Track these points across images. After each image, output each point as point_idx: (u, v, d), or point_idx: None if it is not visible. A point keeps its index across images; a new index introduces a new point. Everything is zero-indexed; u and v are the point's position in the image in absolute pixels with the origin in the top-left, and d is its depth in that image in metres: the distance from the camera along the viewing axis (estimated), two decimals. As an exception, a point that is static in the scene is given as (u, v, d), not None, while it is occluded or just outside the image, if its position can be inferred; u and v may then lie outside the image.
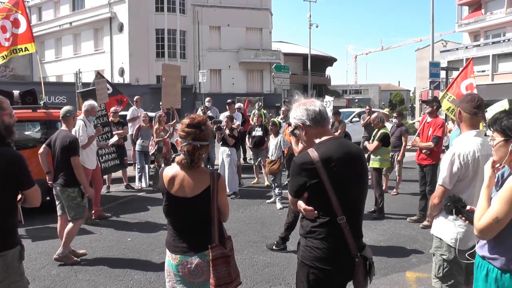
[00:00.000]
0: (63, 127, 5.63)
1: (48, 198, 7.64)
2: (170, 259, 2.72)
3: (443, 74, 20.72)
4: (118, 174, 9.88)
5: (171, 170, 2.73)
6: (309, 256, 2.47)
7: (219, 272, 2.59)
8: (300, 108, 2.63)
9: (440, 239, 3.13)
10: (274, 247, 5.74)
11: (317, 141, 2.57)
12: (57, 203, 5.58)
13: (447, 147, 9.03)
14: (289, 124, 4.37)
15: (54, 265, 5.27)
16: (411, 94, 75.98)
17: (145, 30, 34.78)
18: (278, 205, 8.10)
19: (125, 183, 9.97)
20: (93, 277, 4.90)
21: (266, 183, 10.18)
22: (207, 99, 12.83)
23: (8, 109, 2.84)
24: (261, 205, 8.35)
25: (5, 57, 8.43)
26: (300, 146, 5.64)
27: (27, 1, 40.88)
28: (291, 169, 2.62)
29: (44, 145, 5.69)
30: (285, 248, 5.72)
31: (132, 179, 10.23)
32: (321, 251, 2.43)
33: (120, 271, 5.07)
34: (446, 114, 7.92)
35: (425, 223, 6.82)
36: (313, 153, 2.45)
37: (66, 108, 5.71)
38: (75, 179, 5.39)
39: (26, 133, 9.14)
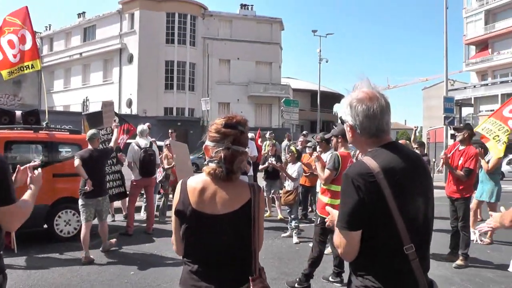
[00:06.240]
0: (89, 147, 6.39)
1: (45, 226, 7.12)
2: None
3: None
4: (117, 203, 9.31)
5: (198, 181, 2.08)
6: None
7: None
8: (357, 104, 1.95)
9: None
10: (296, 285, 5.11)
11: (369, 149, 1.96)
12: (84, 212, 6.16)
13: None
14: (314, 149, 3.76)
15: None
16: (417, 134, 75.10)
17: (155, 61, 34.88)
18: (295, 239, 7.47)
19: (124, 213, 9.36)
20: (90, 316, 4.28)
21: (279, 216, 9.58)
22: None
23: None
24: (276, 239, 7.70)
25: (12, 73, 8.09)
26: (327, 172, 5.12)
27: (39, 32, 41.46)
28: (341, 188, 1.92)
29: (77, 159, 6.14)
30: (308, 287, 5.09)
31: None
32: None
33: (121, 310, 4.45)
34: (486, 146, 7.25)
35: (459, 262, 6.17)
36: (370, 161, 1.84)
37: (91, 131, 6.49)
38: None
39: (27, 154, 8.71)
